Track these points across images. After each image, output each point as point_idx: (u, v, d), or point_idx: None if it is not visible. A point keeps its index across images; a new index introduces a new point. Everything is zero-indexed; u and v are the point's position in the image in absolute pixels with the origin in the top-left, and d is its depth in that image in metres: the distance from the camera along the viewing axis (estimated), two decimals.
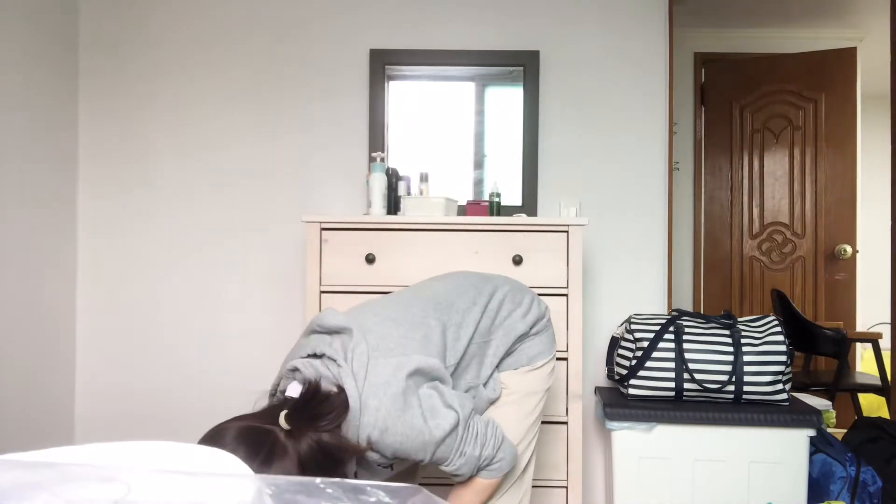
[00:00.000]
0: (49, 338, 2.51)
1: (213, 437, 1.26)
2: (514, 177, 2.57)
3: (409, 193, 2.43)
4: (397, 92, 2.65)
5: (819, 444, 2.17)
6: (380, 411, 1.29)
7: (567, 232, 2.15)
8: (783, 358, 2.04)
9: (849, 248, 3.87)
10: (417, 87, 2.67)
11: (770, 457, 2.00)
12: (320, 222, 2.16)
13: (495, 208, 2.39)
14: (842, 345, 3.15)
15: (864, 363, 4.08)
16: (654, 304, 2.58)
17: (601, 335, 2.55)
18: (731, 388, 2.05)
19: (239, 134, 2.65)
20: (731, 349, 2.06)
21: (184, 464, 0.84)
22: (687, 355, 2.06)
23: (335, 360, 1.35)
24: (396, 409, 1.30)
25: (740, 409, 2.02)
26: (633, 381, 2.10)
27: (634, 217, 2.60)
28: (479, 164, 2.62)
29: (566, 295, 2.14)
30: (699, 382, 2.05)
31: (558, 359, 2.13)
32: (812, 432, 1.99)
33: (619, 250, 2.60)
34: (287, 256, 2.63)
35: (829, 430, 2.33)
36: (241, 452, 1.16)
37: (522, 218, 2.23)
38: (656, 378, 2.08)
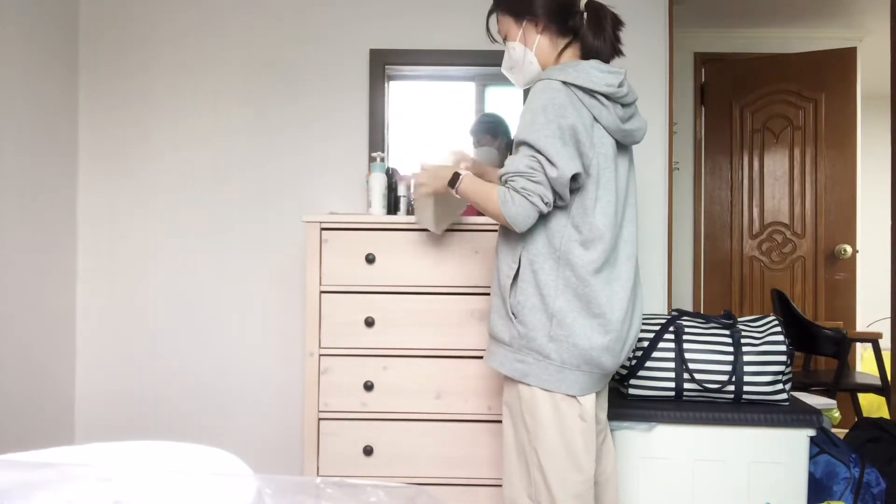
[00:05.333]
0: (49, 338, 2.51)
1: None
2: None
3: (409, 193, 2.43)
4: (397, 92, 2.65)
5: (823, 445, 2.17)
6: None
7: None
8: (783, 358, 2.04)
9: (849, 248, 3.87)
10: (417, 87, 2.67)
11: (770, 457, 2.00)
12: (320, 222, 2.16)
13: None
14: (842, 345, 3.15)
15: (864, 363, 4.08)
16: (654, 304, 2.58)
17: None
18: (731, 388, 2.04)
19: (239, 134, 2.65)
20: (731, 349, 2.06)
21: (184, 464, 0.84)
22: (687, 355, 2.06)
23: None
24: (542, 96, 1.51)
25: (740, 409, 2.02)
26: (633, 381, 2.10)
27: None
28: None
29: None
30: (699, 382, 2.05)
31: None
32: (812, 432, 1.99)
33: None
34: (287, 256, 2.63)
35: (831, 428, 2.33)
36: None
37: None
38: (656, 378, 2.08)
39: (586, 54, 1.61)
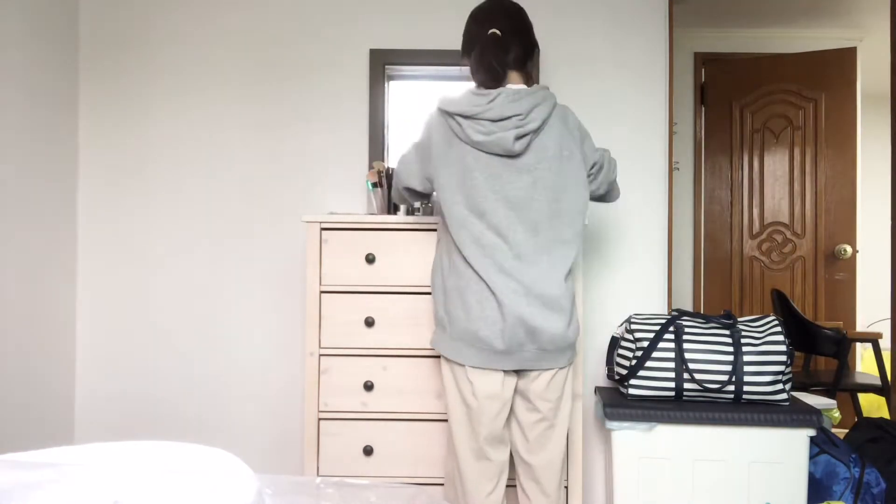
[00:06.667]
0: (49, 338, 2.51)
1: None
2: None
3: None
4: (397, 92, 2.65)
5: (823, 445, 2.17)
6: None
7: None
8: (783, 358, 2.04)
9: (849, 248, 3.87)
10: (417, 87, 2.67)
11: (770, 457, 2.00)
12: (320, 222, 2.16)
13: None
14: (842, 345, 3.15)
15: (864, 363, 4.08)
16: (654, 304, 2.58)
17: (601, 335, 2.55)
18: (731, 388, 2.05)
19: (238, 135, 2.65)
20: (731, 349, 2.06)
21: (184, 464, 0.84)
22: (687, 355, 2.06)
23: None
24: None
25: (740, 409, 2.02)
26: (633, 381, 2.10)
27: (634, 217, 2.60)
28: None
29: None
30: (699, 382, 2.05)
31: None
32: (812, 432, 1.99)
33: (620, 250, 2.60)
34: (287, 256, 2.63)
35: (832, 428, 2.33)
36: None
37: None
38: (656, 378, 2.08)
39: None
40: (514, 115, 1.75)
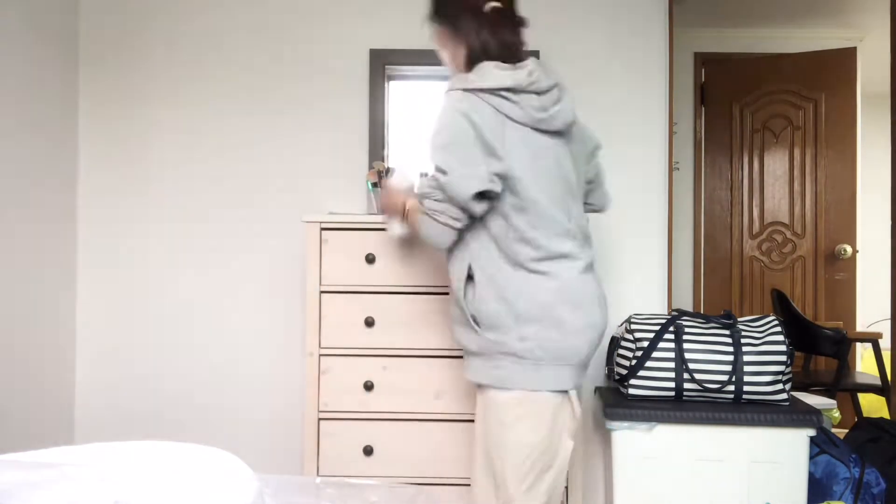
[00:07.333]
0: (49, 337, 2.51)
1: None
2: None
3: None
4: (397, 92, 2.65)
5: (823, 445, 2.17)
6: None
7: None
8: (783, 358, 2.04)
9: (849, 248, 3.88)
10: (417, 87, 2.67)
11: (770, 457, 2.00)
12: (320, 222, 2.16)
13: None
14: (842, 345, 3.15)
15: (864, 363, 4.08)
16: (654, 304, 2.58)
17: None
18: (731, 388, 2.05)
19: (238, 134, 2.65)
20: (731, 349, 2.06)
21: (184, 464, 0.84)
22: (687, 355, 2.06)
23: None
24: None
25: (740, 409, 2.02)
26: (633, 381, 2.10)
27: (634, 217, 2.60)
28: None
29: None
30: (699, 382, 2.05)
31: None
32: (812, 432, 1.99)
33: (620, 250, 2.60)
34: (287, 256, 2.63)
35: (832, 428, 2.33)
36: None
37: None
38: (656, 378, 2.08)
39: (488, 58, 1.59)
40: (554, 86, 1.58)
